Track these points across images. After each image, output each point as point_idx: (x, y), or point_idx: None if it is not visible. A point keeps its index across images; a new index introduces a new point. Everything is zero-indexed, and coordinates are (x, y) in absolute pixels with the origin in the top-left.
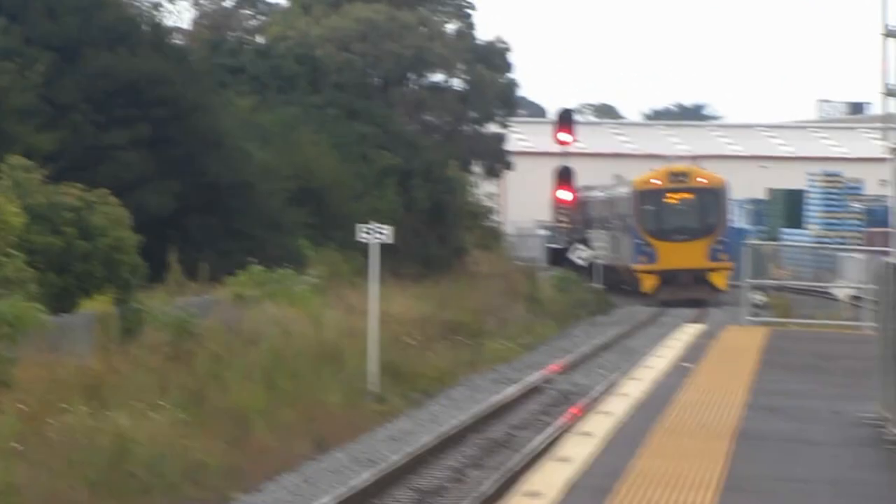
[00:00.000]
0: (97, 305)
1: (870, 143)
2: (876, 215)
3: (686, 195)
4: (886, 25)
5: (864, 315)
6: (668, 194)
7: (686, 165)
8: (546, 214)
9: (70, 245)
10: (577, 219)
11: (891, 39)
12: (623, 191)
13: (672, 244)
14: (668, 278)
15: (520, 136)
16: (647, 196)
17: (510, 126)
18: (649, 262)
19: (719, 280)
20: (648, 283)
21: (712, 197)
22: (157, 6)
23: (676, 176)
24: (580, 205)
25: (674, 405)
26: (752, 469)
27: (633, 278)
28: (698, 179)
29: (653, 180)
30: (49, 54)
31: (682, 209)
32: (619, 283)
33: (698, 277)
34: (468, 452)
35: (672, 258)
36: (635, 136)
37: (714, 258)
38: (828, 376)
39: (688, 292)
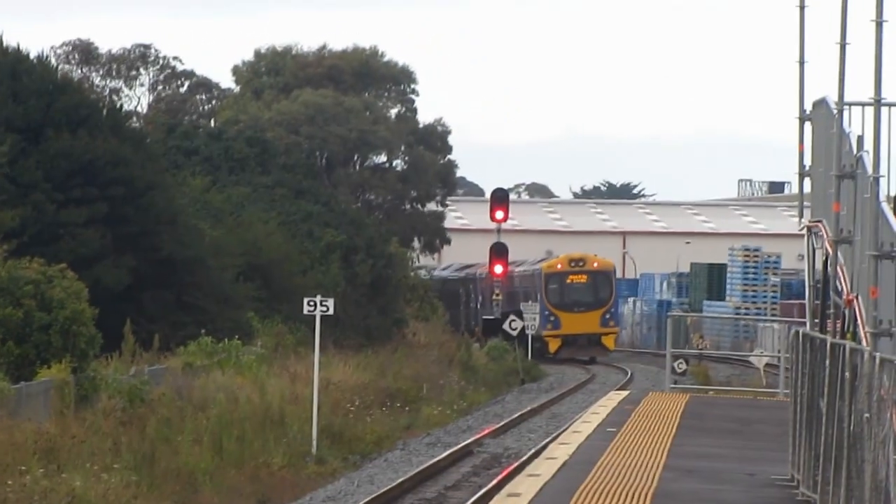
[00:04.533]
0: (55, 374)
1: (788, 220)
2: (792, 288)
3: (582, 277)
4: (802, 110)
5: (780, 382)
6: (570, 276)
7: (582, 253)
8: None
9: (29, 316)
10: (511, 292)
11: (806, 123)
12: (535, 271)
13: (572, 314)
14: (569, 341)
15: (457, 214)
16: (552, 277)
17: (449, 204)
18: (554, 328)
19: (609, 342)
20: (553, 345)
21: (604, 277)
22: (116, 91)
23: (576, 262)
24: (513, 279)
25: (598, 467)
26: None
27: (541, 342)
28: (593, 264)
29: (557, 265)
30: (12, 136)
31: (580, 287)
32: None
33: (592, 340)
34: None
35: (572, 325)
36: (566, 214)
37: (605, 325)
38: (743, 440)
39: (584, 351)
